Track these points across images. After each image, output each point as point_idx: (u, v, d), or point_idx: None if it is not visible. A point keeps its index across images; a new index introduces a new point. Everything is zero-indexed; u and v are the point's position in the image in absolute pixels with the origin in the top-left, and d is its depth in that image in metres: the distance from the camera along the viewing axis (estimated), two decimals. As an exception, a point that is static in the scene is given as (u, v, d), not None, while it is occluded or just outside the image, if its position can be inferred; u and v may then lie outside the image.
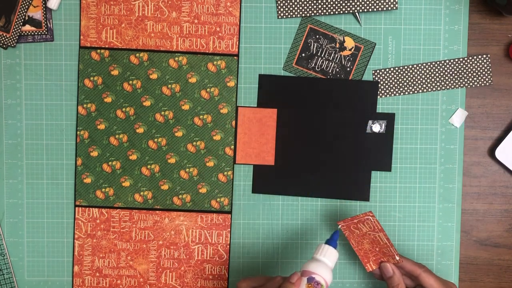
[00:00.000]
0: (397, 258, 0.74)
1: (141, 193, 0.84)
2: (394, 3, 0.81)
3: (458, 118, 0.84)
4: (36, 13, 0.82)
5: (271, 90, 0.83)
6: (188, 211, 0.84)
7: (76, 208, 0.84)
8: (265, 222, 0.85)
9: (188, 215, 0.84)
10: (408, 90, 0.84)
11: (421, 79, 0.83)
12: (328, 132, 0.83)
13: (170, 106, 0.83)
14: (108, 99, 0.83)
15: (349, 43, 0.83)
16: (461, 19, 0.83)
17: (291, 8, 0.82)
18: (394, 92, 0.84)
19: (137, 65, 0.83)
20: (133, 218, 0.84)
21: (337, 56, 0.83)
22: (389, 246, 0.74)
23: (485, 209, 0.85)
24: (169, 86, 0.83)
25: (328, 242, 0.73)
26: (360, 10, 0.82)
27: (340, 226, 0.76)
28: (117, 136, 0.84)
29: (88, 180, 0.84)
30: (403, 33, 0.83)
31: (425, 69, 0.83)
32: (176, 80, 0.83)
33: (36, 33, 0.83)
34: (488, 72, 0.83)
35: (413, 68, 0.83)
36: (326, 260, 0.71)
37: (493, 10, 0.83)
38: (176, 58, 0.83)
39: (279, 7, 0.82)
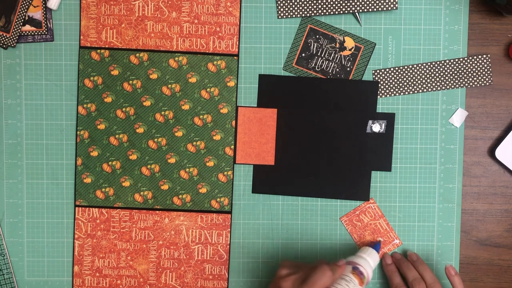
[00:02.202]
0: (396, 241, 0.81)
1: (141, 193, 0.84)
2: (394, 3, 0.81)
3: (458, 118, 0.84)
4: (36, 13, 0.82)
5: (271, 90, 0.83)
6: (188, 211, 0.84)
7: (76, 208, 0.84)
8: (265, 222, 0.85)
9: (188, 215, 0.84)
10: (408, 90, 0.84)
11: (421, 79, 0.83)
12: (328, 132, 0.83)
13: (170, 106, 0.83)
14: (108, 99, 0.83)
15: (349, 43, 0.83)
16: (461, 19, 0.83)
17: (291, 8, 0.82)
18: (394, 92, 0.84)
19: (137, 65, 0.83)
20: (133, 218, 0.84)
21: (337, 56, 0.83)
22: (389, 231, 0.81)
23: (485, 209, 0.85)
24: (169, 86, 0.83)
25: (372, 246, 0.81)
26: (360, 10, 0.82)
27: (343, 221, 0.80)
28: (117, 136, 0.84)
29: (88, 180, 0.84)
30: (403, 33, 0.83)
31: (425, 69, 0.83)
32: (176, 80, 0.83)
33: (36, 33, 0.83)
34: (488, 72, 0.84)
35: (413, 68, 0.83)
36: (369, 259, 0.77)
37: (493, 10, 0.83)
38: (176, 58, 0.83)
39: (279, 7, 0.82)
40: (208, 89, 0.83)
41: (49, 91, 0.83)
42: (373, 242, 0.83)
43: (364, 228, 0.84)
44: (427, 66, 0.83)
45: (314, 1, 0.82)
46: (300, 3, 0.82)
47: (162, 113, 0.84)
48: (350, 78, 0.83)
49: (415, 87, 0.83)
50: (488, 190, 0.85)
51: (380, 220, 0.83)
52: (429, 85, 0.83)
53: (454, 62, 0.83)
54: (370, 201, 0.83)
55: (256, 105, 0.84)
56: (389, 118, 0.83)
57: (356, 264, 0.75)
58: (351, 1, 0.82)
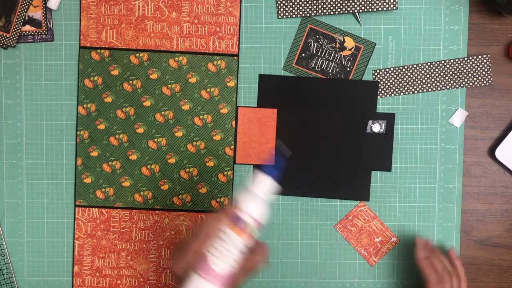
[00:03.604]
0: (394, 239, 0.81)
1: (141, 193, 0.84)
2: (394, 3, 0.81)
3: (458, 118, 0.84)
4: (36, 13, 0.82)
5: (271, 90, 0.83)
6: (188, 211, 0.84)
7: (76, 208, 0.84)
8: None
9: (188, 215, 0.84)
10: (408, 90, 0.84)
11: (421, 79, 0.83)
12: (328, 132, 0.83)
13: (170, 106, 0.83)
14: (108, 99, 0.83)
15: (349, 43, 0.83)
16: (461, 19, 0.83)
17: (291, 8, 0.82)
18: (394, 92, 0.84)
19: (137, 65, 0.83)
20: (133, 218, 0.84)
21: (337, 56, 0.83)
22: (385, 230, 0.81)
23: (485, 209, 0.85)
24: (169, 86, 0.83)
25: (265, 169, 0.60)
26: (360, 10, 0.82)
27: (337, 229, 0.79)
28: (117, 136, 0.84)
29: (88, 180, 0.84)
30: (403, 33, 0.83)
31: (425, 69, 0.83)
32: (176, 80, 0.83)
33: (36, 33, 0.83)
34: (488, 72, 0.83)
35: (413, 68, 0.83)
36: (260, 193, 0.61)
37: (493, 10, 0.83)
38: (176, 58, 0.83)
39: (279, 7, 0.82)
40: (208, 89, 0.83)
41: (49, 91, 0.83)
42: (272, 153, 0.66)
43: (360, 231, 0.84)
44: (427, 66, 0.83)
45: (314, 1, 0.82)
46: (300, 3, 0.82)
47: (162, 113, 0.84)
48: (350, 78, 0.83)
49: (415, 87, 0.83)
50: (488, 190, 0.85)
51: (373, 221, 0.83)
52: (429, 85, 0.83)
53: (454, 62, 0.83)
54: (360, 204, 0.83)
55: (256, 105, 0.84)
56: (389, 118, 0.83)
57: (238, 216, 0.59)
58: (351, 1, 0.82)
